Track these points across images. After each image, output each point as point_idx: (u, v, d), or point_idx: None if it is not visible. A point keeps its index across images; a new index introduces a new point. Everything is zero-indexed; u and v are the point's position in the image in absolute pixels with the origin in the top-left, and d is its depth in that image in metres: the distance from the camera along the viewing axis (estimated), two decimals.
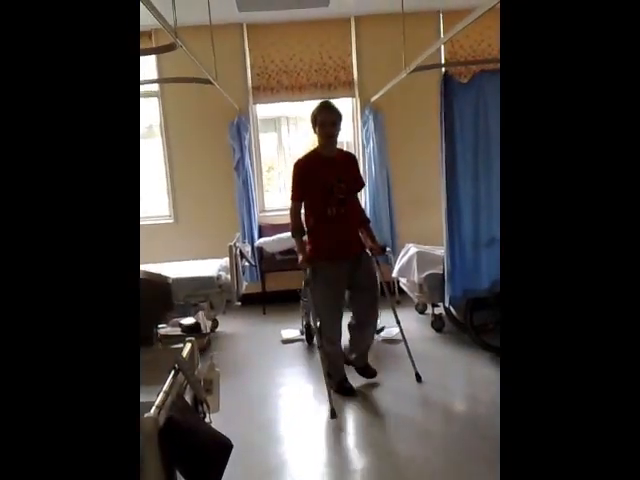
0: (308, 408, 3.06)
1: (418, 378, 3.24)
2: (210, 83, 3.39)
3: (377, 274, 3.19)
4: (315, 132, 2.96)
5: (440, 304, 4.02)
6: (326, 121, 2.87)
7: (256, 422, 2.93)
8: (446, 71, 3.32)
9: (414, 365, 3.28)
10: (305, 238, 3.10)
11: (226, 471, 2.37)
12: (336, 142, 3.01)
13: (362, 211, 3.27)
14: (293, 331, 4.35)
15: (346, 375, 3.23)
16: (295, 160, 3.09)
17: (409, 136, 5.15)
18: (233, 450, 2.50)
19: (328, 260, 2.96)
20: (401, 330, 3.36)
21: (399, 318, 3.36)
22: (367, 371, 3.26)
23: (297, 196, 3.02)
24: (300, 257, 3.04)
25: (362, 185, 3.26)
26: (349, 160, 3.12)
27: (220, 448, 1.66)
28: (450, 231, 3.39)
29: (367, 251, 3.13)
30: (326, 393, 2.96)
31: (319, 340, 3.10)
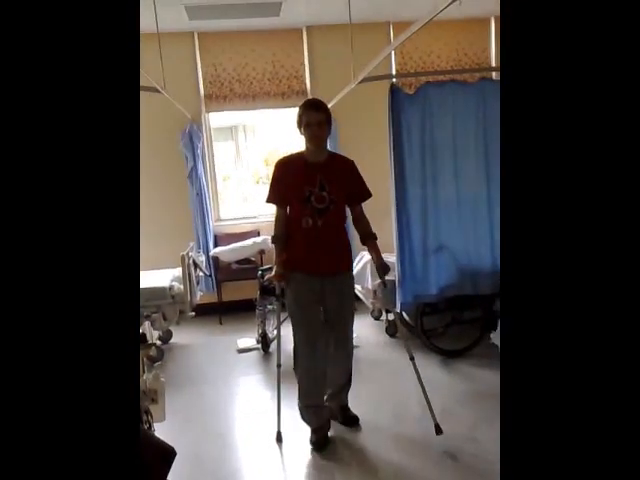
0: (263, 416, 3.06)
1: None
2: (157, 91, 3.36)
3: (353, 303, 2.87)
4: (301, 133, 2.61)
5: (393, 310, 4.08)
6: (312, 122, 2.53)
7: (209, 431, 2.92)
8: (392, 83, 3.39)
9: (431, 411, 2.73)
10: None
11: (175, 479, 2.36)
12: (325, 145, 2.66)
13: (366, 225, 2.81)
14: (249, 340, 4.33)
15: (322, 425, 2.75)
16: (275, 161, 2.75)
17: (362, 145, 5.21)
18: (184, 459, 2.51)
19: (297, 273, 2.65)
20: (414, 365, 2.77)
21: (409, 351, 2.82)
22: (345, 416, 2.89)
23: (272, 199, 2.71)
24: (274, 270, 2.76)
25: (364, 195, 2.77)
26: (343, 167, 2.70)
27: (161, 456, 1.66)
28: (400, 239, 3.46)
29: (350, 273, 2.79)
30: (276, 410, 2.79)
31: (294, 361, 2.75)
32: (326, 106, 2.60)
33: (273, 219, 2.77)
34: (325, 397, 2.84)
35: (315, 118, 2.53)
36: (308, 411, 2.74)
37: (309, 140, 2.59)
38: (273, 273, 2.76)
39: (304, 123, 2.55)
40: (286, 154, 2.76)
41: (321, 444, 2.68)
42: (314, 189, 2.58)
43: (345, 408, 2.91)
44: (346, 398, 2.92)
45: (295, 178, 2.62)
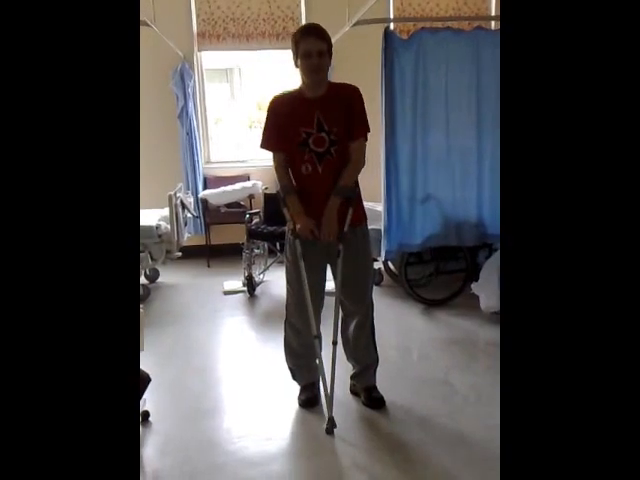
0: (246, 353, 3.15)
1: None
2: (147, 25, 3.26)
3: (369, 266, 2.53)
4: (297, 66, 2.22)
5: (379, 258, 4.13)
6: (311, 50, 2.12)
7: (192, 367, 2.99)
8: (387, 27, 3.31)
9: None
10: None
11: (158, 411, 2.47)
12: (325, 78, 2.25)
13: (348, 175, 2.27)
14: (235, 282, 4.39)
15: (314, 381, 2.53)
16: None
17: None
18: (165, 391, 2.60)
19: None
20: (334, 350, 2.40)
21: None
22: (370, 397, 2.49)
23: (266, 143, 2.35)
24: (295, 224, 2.28)
25: (360, 131, 2.28)
26: (344, 96, 2.27)
27: None
28: (388, 187, 3.48)
29: (364, 228, 2.40)
30: (329, 392, 2.34)
31: (285, 321, 2.51)
32: (327, 33, 2.20)
33: (265, 165, 2.55)
34: (351, 375, 2.58)
35: (315, 46, 2.13)
36: (299, 370, 2.55)
37: (306, 73, 2.19)
38: (298, 227, 2.26)
39: (301, 52, 2.15)
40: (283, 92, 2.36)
41: (310, 403, 2.49)
42: (312, 130, 2.22)
43: (370, 389, 2.51)
44: (373, 378, 2.53)
45: (290, 118, 2.25)
